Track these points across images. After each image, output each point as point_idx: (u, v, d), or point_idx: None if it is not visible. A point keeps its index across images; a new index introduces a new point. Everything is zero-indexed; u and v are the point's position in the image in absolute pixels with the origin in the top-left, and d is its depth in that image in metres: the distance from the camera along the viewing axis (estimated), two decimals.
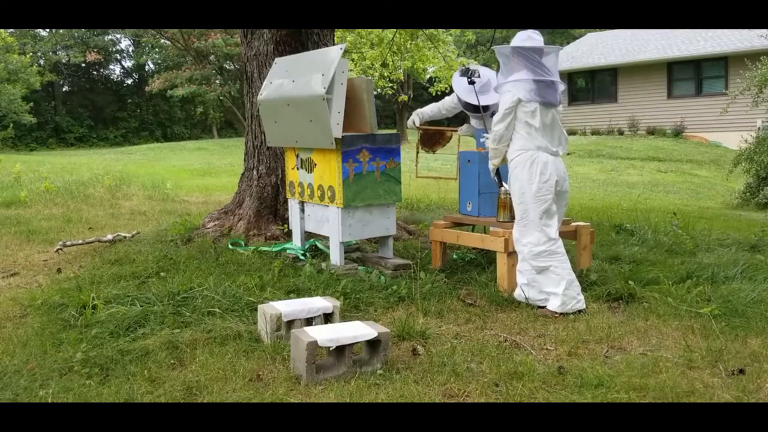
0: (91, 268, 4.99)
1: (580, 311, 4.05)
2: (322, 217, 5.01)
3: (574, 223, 4.89)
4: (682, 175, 16.00)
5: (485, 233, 4.77)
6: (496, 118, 4.20)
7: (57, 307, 4.04)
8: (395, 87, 20.59)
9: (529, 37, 4.13)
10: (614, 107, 23.20)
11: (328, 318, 3.63)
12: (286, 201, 5.66)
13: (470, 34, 20.58)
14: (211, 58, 28.75)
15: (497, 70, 4.41)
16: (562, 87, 4.24)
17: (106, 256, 5.34)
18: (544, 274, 4.11)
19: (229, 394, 2.92)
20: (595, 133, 22.85)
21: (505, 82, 4.16)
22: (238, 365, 3.20)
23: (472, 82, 5.06)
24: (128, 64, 39.81)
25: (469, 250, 5.38)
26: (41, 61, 34.45)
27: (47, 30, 33.62)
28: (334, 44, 6.05)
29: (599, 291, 4.40)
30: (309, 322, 3.58)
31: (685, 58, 21.64)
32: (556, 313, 4.02)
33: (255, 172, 5.92)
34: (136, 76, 39.66)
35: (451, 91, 5.48)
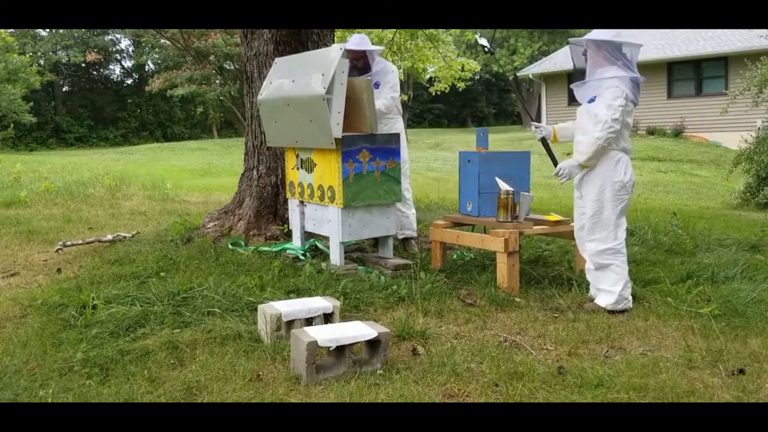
0: (91, 268, 4.99)
1: (624, 311, 4.09)
2: (322, 217, 5.01)
3: (574, 223, 4.89)
4: (682, 175, 15.99)
5: (485, 233, 4.77)
6: (609, 114, 3.96)
7: (57, 307, 4.04)
8: None
9: (618, 33, 4.04)
10: None
11: (328, 318, 3.63)
12: (286, 201, 5.66)
13: (470, 34, 20.57)
14: (211, 58, 28.73)
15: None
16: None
17: (106, 256, 5.34)
18: (602, 271, 4.15)
19: (229, 394, 2.92)
20: None
21: (605, 77, 4.01)
22: (238, 365, 3.20)
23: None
24: (128, 64, 39.80)
25: (469, 249, 5.38)
26: (41, 61, 34.44)
27: (47, 30, 33.61)
28: (334, 44, 6.05)
29: None
30: (309, 322, 3.58)
31: (685, 58, 21.63)
32: (604, 308, 4.08)
33: (255, 172, 5.91)
34: (136, 76, 39.65)
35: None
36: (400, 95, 5.87)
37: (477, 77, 40.24)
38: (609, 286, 4.11)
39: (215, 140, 31.50)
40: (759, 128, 12.17)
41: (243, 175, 6.14)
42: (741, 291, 4.31)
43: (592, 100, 4.07)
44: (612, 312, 4.06)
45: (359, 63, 5.33)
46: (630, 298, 4.15)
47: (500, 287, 4.37)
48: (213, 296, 4.08)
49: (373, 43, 5.69)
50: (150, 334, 3.59)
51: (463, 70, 21.07)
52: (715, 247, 5.81)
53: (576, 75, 4.26)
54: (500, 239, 4.37)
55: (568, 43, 4.45)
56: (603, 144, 4.02)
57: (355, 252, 5.32)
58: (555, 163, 4.36)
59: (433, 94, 22.92)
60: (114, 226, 6.92)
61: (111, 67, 39.58)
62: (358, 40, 5.35)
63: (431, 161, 17.14)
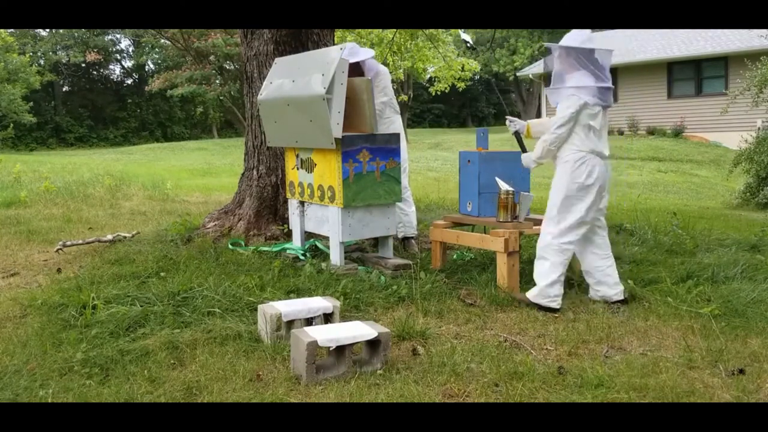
0: (91, 268, 4.99)
1: (549, 309, 4.09)
2: (322, 217, 5.01)
3: None
4: (682, 175, 16.00)
5: (485, 233, 4.77)
6: (558, 120, 4.11)
7: (57, 307, 4.04)
8: (395, 87, 20.58)
9: (589, 39, 4.09)
10: (614, 107, 23.01)
11: (328, 318, 3.63)
12: (286, 201, 5.66)
13: (470, 34, 20.56)
14: (211, 58, 28.74)
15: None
16: (612, 88, 4.26)
17: (106, 256, 5.34)
18: (539, 261, 4.20)
19: (229, 394, 2.92)
20: None
21: (567, 85, 4.10)
22: (238, 365, 3.20)
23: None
24: (128, 64, 39.82)
25: (469, 249, 5.38)
26: (41, 61, 34.45)
27: (47, 30, 33.61)
28: (334, 44, 6.05)
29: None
30: (309, 322, 3.58)
31: (685, 58, 21.63)
32: (527, 300, 4.15)
33: (255, 172, 5.91)
34: (136, 76, 39.66)
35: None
36: (400, 95, 5.86)
37: (477, 77, 40.22)
38: (536, 278, 4.17)
39: (215, 140, 31.51)
40: (759, 128, 12.16)
41: (243, 175, 6.14)
42: (741, 291, 4.31)
43: (557, 104, 4.19)
44: (532, 305, 4.11)
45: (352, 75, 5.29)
46: (556, 298, 4.12)
47: (500, 287, 4.37)
48: (213, 296, 4.08)
49: (373, 44, 5.68)
50: (150, 334, 3.59)
51: (463, 70, 21.09)
52: (715, 247, 5.80)
53: (549, 77, 4.35)
54: (500, 239, 4.37)
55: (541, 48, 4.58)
56: (549, 147, 4.17)
57: (355, 252, 5.32)
58: None
59: (433, 94, 22.94)
60: (114, 226, 6.92)
61: (111, 67, 39.62)
62: (348, 51, 5.31)
63: (431, 161, 17.14)
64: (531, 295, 4.16)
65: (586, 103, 4.05)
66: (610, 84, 4.15)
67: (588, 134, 4.11)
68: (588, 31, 4.13)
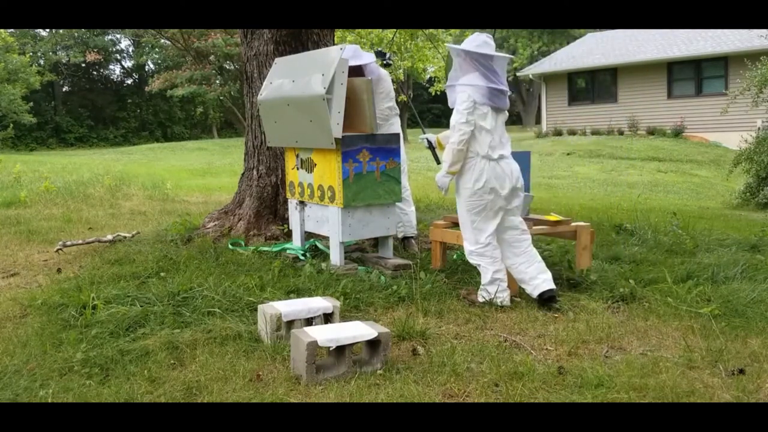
0: (91, 268, 4.99)
1: (501, 305, 4.17)
2: (322, 217, 5.01)
3: (574, 223, 4.90)
4: (682, 175, 15.99)
5: None
6: (457, 117, 4.15)
7: (57, 307, 4.04)
8: (395, 87, 20.58)
9: (485, 43, 4.20)
10: (614, 107, 23.19)
11: (328, 318, 3.63)
12: (286, 201, 5.66)
13: (470, 34, 20.58)
14: (211, 58, 28.75)
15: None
16: (509, 93, 4.33)
17: (106, 256, 5.34)
18: (478, 269, 4.32)
19: (229, 394, 2.92)
20: (595, 133, 22.84)
21: (459, 84, 4.20)
22: (238, 365, 3.20)
23: (387, 65, 5.39)
24: (128, 64, 39.83)
25: None
26: (41, 61, 34.45)
27: (47, 30, 33.61)
28: (334, 44, 6.05)
29: (599, 291, 4.40)
30: (309, 322, 3.58)
31: (685, 58, 21.62)
32: (478, 302, 4.23)
33: (255, 172, 5.92)
34: (136, 76, 39.67)
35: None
36: (400, 95, 5.86)
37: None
38: (482, 283, 4.26)
39: (215, 140, 31.51)
40: (759, 128, 12.16)
41: (243, 175, 6.14)
42: (741, 291, 4.31)
43: (454, 104, 4.25)
44: (482, 304, 4.19)
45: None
46: (503, 298, 4.19)
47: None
48: (213, 296, 4.08)
49: (372, 44, 5.68)
50: (150, 334, 3.59)
51: None
52: (715, 247, 5.80)
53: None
54: None
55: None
56: (458, 147, 4.15)
57: (355, 252, 5.32)
58: None
59: (433, 94, 22.94)
60: (114, 226, 6.93)
61: (111, 67, 39.64)
62: (351, 52, 5.26)
63: (431, 161, 17.13)
64: (480, 298, 4.26)
65: (474, 101, 4.11)
66: (502, 87, 4.20)
67: (480, 136, 4.16)
68: (485, 35, 4.23)
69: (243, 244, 5.57)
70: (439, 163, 4.54)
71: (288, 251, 5.23)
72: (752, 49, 18.99)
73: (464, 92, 4.16)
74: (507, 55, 4.43)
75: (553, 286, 4.18)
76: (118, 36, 36.56)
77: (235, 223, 5.88)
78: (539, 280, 4.19)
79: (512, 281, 4.38)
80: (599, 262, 5.14)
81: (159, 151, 24.33)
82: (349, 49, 5.26)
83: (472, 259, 4.32)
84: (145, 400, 2.86)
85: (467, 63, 4.20)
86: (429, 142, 4.71)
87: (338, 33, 12.95)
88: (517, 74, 30.92)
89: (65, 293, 4.25)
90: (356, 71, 5.16)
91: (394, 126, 5.51)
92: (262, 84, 5.47)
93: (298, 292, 4.30)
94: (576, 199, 10.67)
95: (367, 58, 5.40)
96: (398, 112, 5.67)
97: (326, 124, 4.56)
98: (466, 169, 4.21)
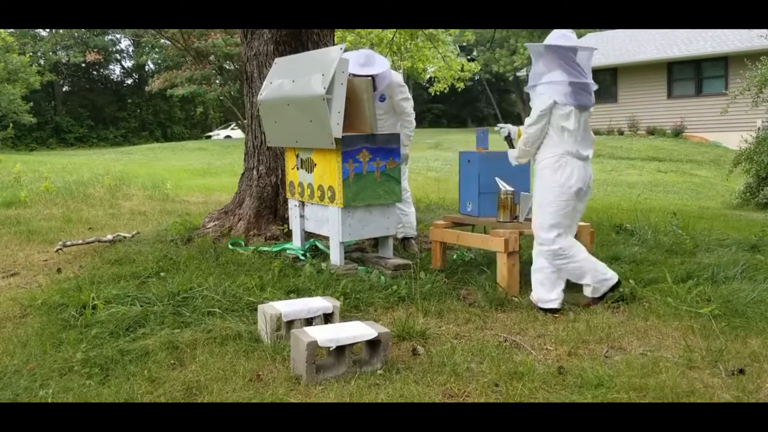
0: (91, 268, 4.99)
1: (550, 311, 4.09)
2: (322, 217, 5.01)
3: None
4: (682, 175, 15.99)
5: (485, 233, 4.77)
6: (530, 119, 4.10)
7: (57, 307, 4.04)
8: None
9: (564, 36, 4.04)
10: (614, 107, 23.19)
11: (328, 318, 3.63)
12: (286, 201, 5.66)
13: (470, 34, 20.57)
14: (211, 58, 28.74)
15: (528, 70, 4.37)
16: (594, 87, 4.20)
17: (106, 256, 5.34)
18: (536, 266, 4.19)
19: (229, 394, 2.92)
20: (595, 133, 22.64)
21: (539, 83, 4.07)
22: (238, 365, 3.20)
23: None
24: (128, 64, 39.83)
25: (469, 249, 5.38)
26: (41, 61, 34.45)
27: (47, 30, 33.61)
28: (334, 44, 6.05)
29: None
30: (309, 322, 3.58)
31: (685, 58, 21.63)
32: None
33: (255, 172, 5.92)
34: (136, 76, 39.67)
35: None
36: None
37: (477, 77, 40.24)
38: (534, 283, 4.18)
39: (215, 140, 31.50)
40: (759, 128, 12.16)
41: (243, 175, 6.14)
42: (741, 291, 4.30)
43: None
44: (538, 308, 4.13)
45: None
46: (555, 301, 4.11)
47: (500, 287, 4.37)
48: (213, 296, 4.08)
49: (372, 44, 5.65)
50: (150, 334, 3.59)
51: (462, 70, 21.09)
52: (715, 247, 5.80)
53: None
54: (500, 239, 4.37)
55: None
56: (522, 147, 4.19)
57: (355, 252, 5.32)
58: None
59: (433, 94, 22.93)
60: (114, 226, 6.92)
61: (111, 67, 39.65)
62: (364, 59, 5.13)
63: (431, 161, 17.15)
64: (532, 298, 4.17)
65: (555, 102, 4.01)
66: (585, 80, 4.07)
67: (562, 136, 4.08)
68: (564, 30, 4.08)
69: (243, 244, 5.57)
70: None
71: (288, 251, 5.23)
72: (752, 49, 18.99)
73: (544, 94, 4.03)
74: (591, 47, 4.19)
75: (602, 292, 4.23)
76: (118, 36, 36.56)
77: (235, 223, 5.88)
78: (603, 276, 4.22)
79: (513, 281, 4.38)
80: None
81: (159, 151, 24.33)
82: (361, 54, 5.20)
83: (541, 257, 4.16)
84: (145, 400, 2.86)
85: (548, 59, 4.04)
86: (509, 133, 4.61)
87: (338, 33, 12.94)
88: (517, 74, 30.93)
89: (65, 293, 4.25)
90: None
91: (395, 126, 5.50)
92: (262, 84, 5.47)
93: (298, 292, 4.30)
94: None
95: (380, 65, 5.23)
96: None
97: (326, 124, 4.56)
98: (557, 165, 4.08)
